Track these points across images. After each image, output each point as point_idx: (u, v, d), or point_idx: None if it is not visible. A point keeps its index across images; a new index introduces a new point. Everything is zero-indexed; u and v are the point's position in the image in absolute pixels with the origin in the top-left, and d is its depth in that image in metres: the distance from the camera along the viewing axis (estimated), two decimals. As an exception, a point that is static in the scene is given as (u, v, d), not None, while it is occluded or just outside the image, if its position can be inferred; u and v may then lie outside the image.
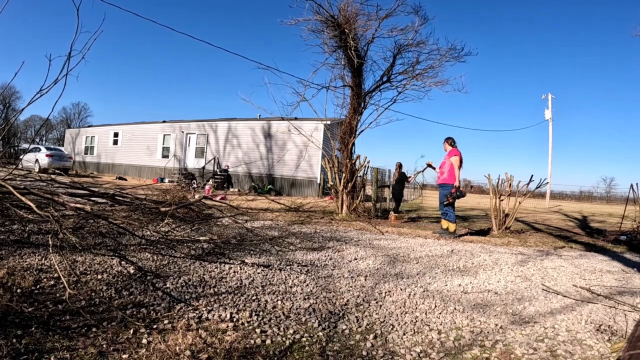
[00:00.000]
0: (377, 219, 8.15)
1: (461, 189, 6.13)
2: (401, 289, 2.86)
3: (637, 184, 7.39)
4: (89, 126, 33.46)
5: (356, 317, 2.25)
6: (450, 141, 6.23)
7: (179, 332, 1.80)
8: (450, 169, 5.95)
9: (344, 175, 8.06)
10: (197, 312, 2.09)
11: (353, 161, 8.09)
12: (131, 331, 1.76)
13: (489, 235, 6.59)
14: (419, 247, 4.87)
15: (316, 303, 2.42)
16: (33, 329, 1.69)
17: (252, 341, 1.81)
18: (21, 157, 20.38)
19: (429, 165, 6.55)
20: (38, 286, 2.23)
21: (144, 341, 1.69)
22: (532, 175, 7.08)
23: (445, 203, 5.97)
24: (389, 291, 2.80)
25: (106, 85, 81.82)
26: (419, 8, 7.28)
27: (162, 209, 3.78)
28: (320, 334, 1.97)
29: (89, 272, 2.57)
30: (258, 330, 1.93)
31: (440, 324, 2.24)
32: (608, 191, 58.86)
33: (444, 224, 6.08)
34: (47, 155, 17.49)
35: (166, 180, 17.29)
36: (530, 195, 7.29)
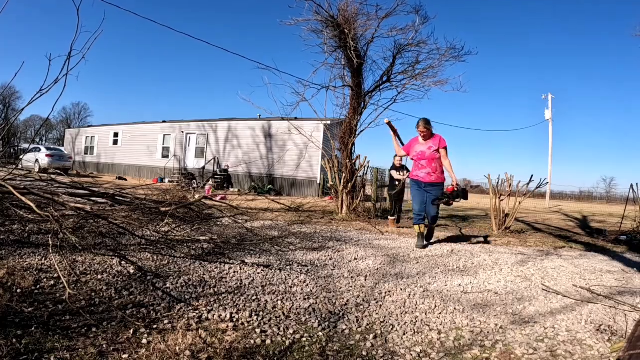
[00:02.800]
0: (377, 219, 8.14)
1: (464, 188, 4.83)
2: (401, 289, 2.86)
3: (637, 184, 7.40)
4: (89, 126, 33.49)
5: (356, 317, 2.25)
6: (430, 123, 4.75)
7: (179, 332, 1.80)
8: (440, 163, 4.74)
9: (344, 175, 8.06)
10: (197, 312, 2.09)
11: (353, 161, 8.09)
12: (131, 331, 1.76)
13: (488, 237, 6.58)
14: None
15: (316, 303, 2.42)
16: (33, 329, 1.68)
17: (252, 341, 1.81)
18: (21, 157, 20.39)
19: (390, 126, 5.04)
20: (38, 286, 2.23)
21: (144, 341, 1.69)
22: (532, 175, 7.08)
23: (437, 201, 4.72)
24: (389, 291, 2.80)
25: (106, 85, 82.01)
26: (419, 8, 7.28)
27: (162, 209, 3.78)
28: (320, 334, 1.97)
29: (89, 272, 2.57)
30: (258, 330, 1.93)
31: (440, 324, 2.24)
32: (608, 191, 58.94)
33: (433, 227, 5.02)
34: (47, 155, 17.51)
35: (166, 180, 17.29)
36: (530, 195, 7.29)
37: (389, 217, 7.55)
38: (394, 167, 7.86)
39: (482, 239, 5.80)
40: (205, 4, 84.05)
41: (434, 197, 4.71)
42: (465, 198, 4.74)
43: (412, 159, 4.91)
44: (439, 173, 4.73)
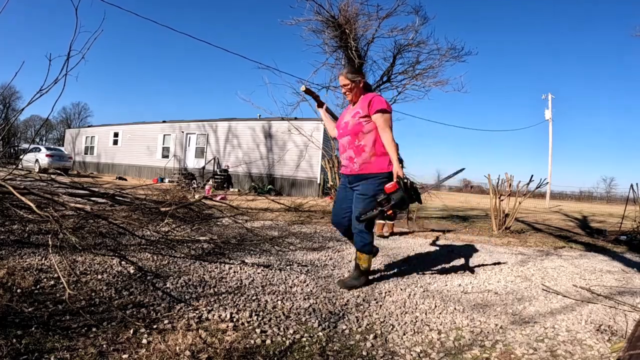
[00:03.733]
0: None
1: (414, 184, 2.55)
2: (401, 289, 2.86)
3: (637, 184, 7.40)
4: (89, 126, 33.49)
5: (356, 317, 2.25)
6: (359, 75, 2.85)
7: (179, 332, 1.80)
8: (377, 138, 2.67)
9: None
10: (197, 312, 2.09)
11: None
12: (131, 331, 1.76)
13: (488, 235, 6.58)
14: (419, 247, 4.88)
15: (316, 303, 2.42)
16: (33, 329, 1.68)
17: (252, 341, 1.81)
18: (21, 157, 20.39)
19: (309, 93, 3.17)
20: (38, 286, 2.23)
21: (144, 341, 1.69)
22: (532, 175, 7.07)
23: (366, 216, 2.58)
24: (389, 291, 2.80)
25: (106, 85, 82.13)
26: (419, 8, 7.32)
27: (162, 209, 3.78)
28: (320, 334, 1.97)
29: (89, 272, 2.57)
30: (258, 330, 1.93)
31: (440, 324, 2.24)
32: (608, 191, 59.02)
33: (363, 258, 2.80)
34: (47, 155, 17.51)
35: (166, 180, 17.29)
36: (530, 195, 7.29)
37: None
38: None
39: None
40: (206, 4, 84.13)
41: (361, 201, 2.66)
42: (416, 201, 2.58)
43: (337, 139, 2.99)
44: (370, 157, 2.66)
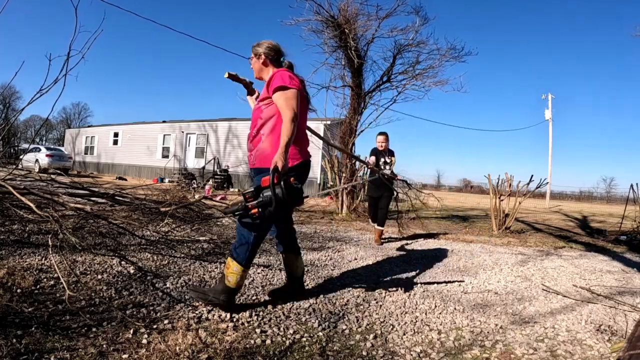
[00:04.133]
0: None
1: (297, 184, 1.94)
2: (401, 289, 2.86)
3: (637, 184, 7.41)
4: (89, 126, 33.50)
5: (356, 317, 2.25)
6: (268, 49, 2.27)
7: (179, 332, 1.80)
8: (277, 123, 2.11)
9: (344, 175, 8.07)
10: (197, 312, 2.09)
11: (353, 161, 8.09)
12: (131, 331, 1.76)
13: (488, 235, 6.58)
14: (419, 247, 4.88)
15: (316, 303, 2.42)
16: (33, 329, 1.69)
17: (252, 341, 1.81)
18: (21, 157, 20.37)
19: (235, 79, 2.59)
20: (38, 286, 2.23)
21: (144, 341, 1.69)
22: (532, 175, 7.07)
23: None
24: (389, 291, 2.80)
25: (106, 85, 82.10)
26: (419, 8, 7.31)
27: (162, 209, 3.78)
28: (320, 334, 1.97)
29: (89, 272, 2.57)
30: (258, 330, 1.93)
31: (440, 324, 2.24)
32: (608, 191, 59.03)
33: (231, 267, 2.11)
34: (47, 155, 17.50)
35: (166, 180, 17.28)
36: (530, 195, 7.29)
37: (375, 226, 5.09)
38: (377, 153, 5.11)
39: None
40: (206, 4, 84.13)
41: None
42: (293, 203, 1.96)
43: None
44: (267, 147, 2.14)
